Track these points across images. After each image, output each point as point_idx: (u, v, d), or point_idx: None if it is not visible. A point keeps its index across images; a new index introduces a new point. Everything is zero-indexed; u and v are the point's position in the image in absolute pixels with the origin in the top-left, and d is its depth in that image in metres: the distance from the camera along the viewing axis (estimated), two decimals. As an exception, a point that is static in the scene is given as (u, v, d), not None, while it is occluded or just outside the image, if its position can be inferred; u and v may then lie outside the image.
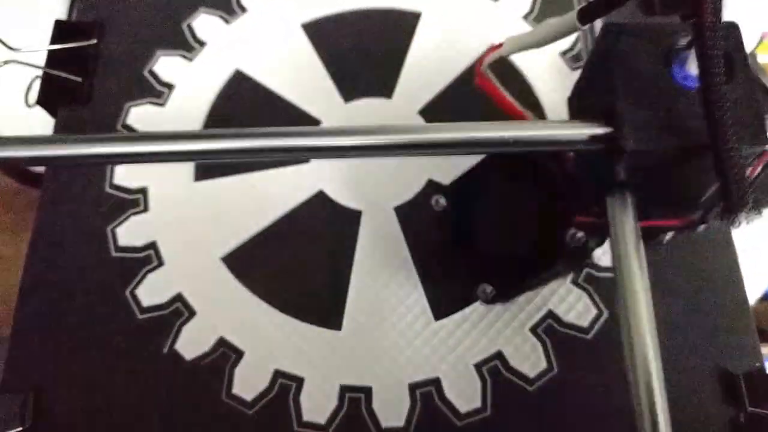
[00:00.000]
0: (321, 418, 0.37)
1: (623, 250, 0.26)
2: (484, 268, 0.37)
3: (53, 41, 0.47)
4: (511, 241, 0.36)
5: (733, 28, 0.26)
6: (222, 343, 0.39)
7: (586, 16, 0.27)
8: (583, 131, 0.25)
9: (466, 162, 0.43)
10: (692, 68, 0.24)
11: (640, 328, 0.25)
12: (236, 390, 0.38)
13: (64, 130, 0.46)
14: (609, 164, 0.25)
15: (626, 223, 0.26)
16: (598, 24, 0.32)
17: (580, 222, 0.30)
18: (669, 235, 0.33)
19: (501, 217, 0.37)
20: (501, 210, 0.37)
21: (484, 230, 0.37)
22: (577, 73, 0.45)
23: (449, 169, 0.42)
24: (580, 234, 0.30)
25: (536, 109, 0.44)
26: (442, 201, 0.39)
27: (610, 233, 0.26)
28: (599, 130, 0.24)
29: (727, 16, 0.69)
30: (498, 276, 0.36)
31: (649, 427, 0.23)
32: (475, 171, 0.37)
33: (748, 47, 0.78)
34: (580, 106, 0.29)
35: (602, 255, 0.34)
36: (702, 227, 0.32)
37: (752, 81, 0.24)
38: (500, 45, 0.32)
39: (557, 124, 0.27)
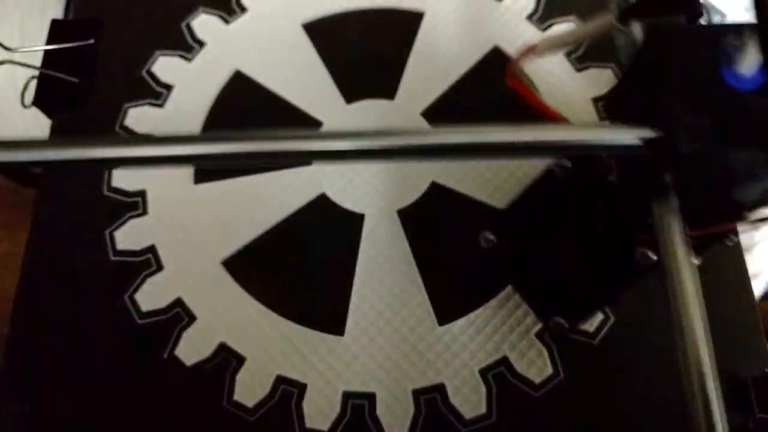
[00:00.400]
0: (324, 425, 0.36)
1: (672, 257, 0.25)
2: (550, 301, 0.36)
3: (50, 41, 0.47)
4: (575, 269, 0.34)
5: None
6: (222, 348, 0.38)
7: (626, 17, 0.27)
8: (633, 134, 0.24)
9: (472, 163, 0.42)
10: (744, 68, 0.24)
11: (695, 341, 0.25)
12: (237, 396, 0.37)
13: (61, 132, 0.45)
14: (654, 170, 0.25)
15: (673, 227, 0.25)
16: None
17: (644, 239, 0.29)
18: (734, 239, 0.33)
19: (561, 245, 0.35)
20: (559, 237, 0.35)
21: (544, 261, 0.36)
22: (581, 75, 0.44)
23: (454, 171, 0.42)
24: (649, 252, 0.29)
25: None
26: (491, 236, 0.36)
27: (658, 240, 0.25)
28: (650, 134, 0.23)
29: (725, 17, 0.68)
30: (567, 307, 0.35)
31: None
32: (524, 199, 0.35)
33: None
34: (619, 109, 0.28)
35: None
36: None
37: None
38: (535, 46, 0.32)
39: (604, 128, 0.26)
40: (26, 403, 0.38)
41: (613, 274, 0.32)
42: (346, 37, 0.47)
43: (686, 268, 0.25)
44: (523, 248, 0.37)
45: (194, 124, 0.45)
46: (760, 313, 0.38)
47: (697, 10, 0.46)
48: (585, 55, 0.45)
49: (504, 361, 0.37)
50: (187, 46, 0.47)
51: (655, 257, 0.29)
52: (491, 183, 0.41)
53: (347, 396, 0.37)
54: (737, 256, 0.39)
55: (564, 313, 0.36)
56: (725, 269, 0.39)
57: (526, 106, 0.44)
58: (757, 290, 0.73)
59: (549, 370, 0.37)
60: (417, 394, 0.37)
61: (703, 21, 0.50)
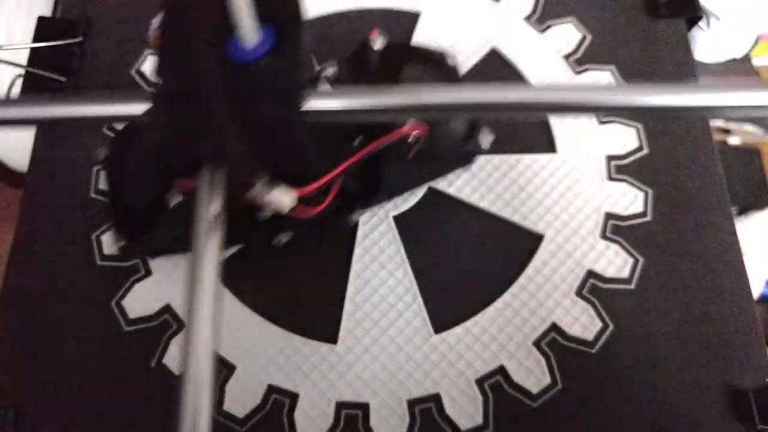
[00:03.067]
0: (316, 437, 0.35)
1: (200, 232, 0.26)
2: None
3: (36, 39, 0.45)
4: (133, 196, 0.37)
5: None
6: (212, 356, 0.37)
7: None
8: None
9: (471, 169, 0.41)
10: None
11: (199, 329, 0.25)
12: (227, 406, 0.36)
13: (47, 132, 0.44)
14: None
15: (211, 203, 0.27)
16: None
17: (182, 186, 0.32)
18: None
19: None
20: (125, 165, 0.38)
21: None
22: (581, 77, 0.44)
23: (450, 176, 0.41)
24: (180, 198, 0.32)
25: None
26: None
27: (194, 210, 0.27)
28: None
29: (724, 19, 0.68)
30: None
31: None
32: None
33: (744, 49, 0.77)
34: None
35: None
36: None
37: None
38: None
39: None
40: (10, 410, 0.37)
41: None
42: (341, 38, 0.46)
43: (210, 249, 0.26)
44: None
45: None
46: (760, 323, 0.37)
47: (697, 13, 0.46)
48: (584, 56, 0.44)
49: (501, 370, 0.37)
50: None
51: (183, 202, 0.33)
52: (491, 189, 0.41)
53: (340, 406, 0.36)
54: (736, 263, 0.38)
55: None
56: (725, 278, 0.38)
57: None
58: (754, 294, 0.73)
59: (547, 380, 0.36)
60: (412, 404, 0.36)
61: (701, 24, 0.49)
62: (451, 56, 0.38)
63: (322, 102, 0.27)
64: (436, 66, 0.38)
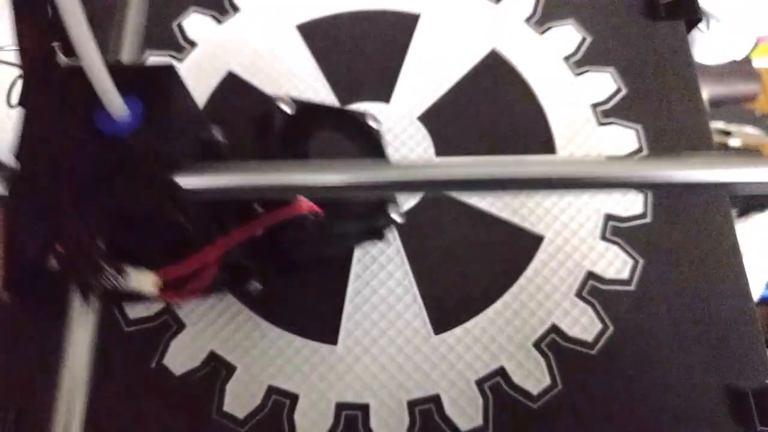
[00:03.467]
0: (316, 437, 0.35)
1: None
2: None
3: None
4: None
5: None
6: (213, 357, 0.37)
7: None
8: None
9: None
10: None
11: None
12: (227, 407, 0.36)
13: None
14: None
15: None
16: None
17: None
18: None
19: None
20: None
21: None
22: (581, 79, 0.44)
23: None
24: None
25: (539, 116, 0.43)
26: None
27: None
28: None
29: (724, 21, 0.67)
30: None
31: None
32: None
33: (744, 51, 0.76)
34: None
35: None
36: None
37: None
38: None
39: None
40: (10, 413, 0.37)
41: None
42: (341, 39, 0.46)
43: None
44: None
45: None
46: (760, 324, 0.37)
47: (697, 14, 0.46)
48: (584, 58, 0.44)
49: (501, 371, 0.37)
50: (177, 46, 0.46)
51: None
52: (488, 189, 0.41)
53: (340, 407, 0.36)
54: (736, 264, 0.38)
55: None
56: (725, 280, 0.38)
57: (524, 111, 0.43)
58: (754, 296, 0.73)
59: (547, 381, 0.36)
60: (412, 405, 0.36)
61: (701, 26, 0.49)
62: (372, 117, 0.36)
63: (198, 179, 0.25)
64: (354, 130, 0.35)
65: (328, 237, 0.35)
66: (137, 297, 0.30)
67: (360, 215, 0.36)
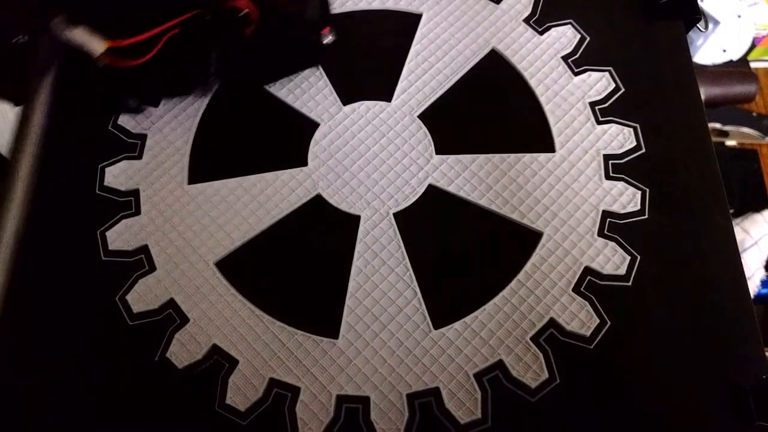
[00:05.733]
0: (317, 430, 0.36)
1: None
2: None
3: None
4: None
5: None
6: (215, 351, 0.38)
7: None
8: None
9: (470, 167, 0.42)
10: None
11: None
12: (229, 400, 0.37)
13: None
14: None
15: None
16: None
17: None
18: None
19: None
20: None
21: None
22: (579, 78, 0.44)
23: (452, 175, 0.42)
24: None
25: (538, 115, 0.43)
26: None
27: None
28: None
29: (722, 21, 0.68)
30: None
31: None
32: None
33: (742, 51, 0.77)
34: None
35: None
36: None
37: None
38: None
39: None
40: (15, 404, 0.37)
41: None
42: (343, 39, 0.47)
43: None
44: None
45: (189, 126, 0.45)
46: (758, 320, 0.38)
47: (696, 15, 0.46)
48: (582, 57, 0.45)
49: (500, 365, 0.37)
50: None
51: None
52: (490, 187, 0.41)
53: (341, 400, 0.37)
54: (733, 260, 0.39)
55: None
56: (722, 276, 0.39)
57: (523, 109, 0.44)
58: (751, 292, 0.73)
59: (545, 375, 0.37)
60: (411, 398, 0.36)
61: (700, 27, 0.50)
62: None
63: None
64: None
65: (259, 49, 0.40)
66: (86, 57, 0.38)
67: (291, 32, 0.40)
